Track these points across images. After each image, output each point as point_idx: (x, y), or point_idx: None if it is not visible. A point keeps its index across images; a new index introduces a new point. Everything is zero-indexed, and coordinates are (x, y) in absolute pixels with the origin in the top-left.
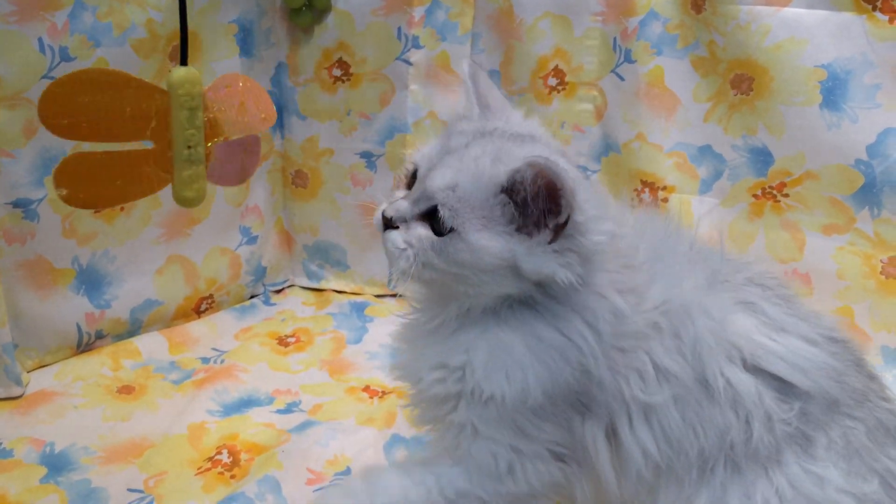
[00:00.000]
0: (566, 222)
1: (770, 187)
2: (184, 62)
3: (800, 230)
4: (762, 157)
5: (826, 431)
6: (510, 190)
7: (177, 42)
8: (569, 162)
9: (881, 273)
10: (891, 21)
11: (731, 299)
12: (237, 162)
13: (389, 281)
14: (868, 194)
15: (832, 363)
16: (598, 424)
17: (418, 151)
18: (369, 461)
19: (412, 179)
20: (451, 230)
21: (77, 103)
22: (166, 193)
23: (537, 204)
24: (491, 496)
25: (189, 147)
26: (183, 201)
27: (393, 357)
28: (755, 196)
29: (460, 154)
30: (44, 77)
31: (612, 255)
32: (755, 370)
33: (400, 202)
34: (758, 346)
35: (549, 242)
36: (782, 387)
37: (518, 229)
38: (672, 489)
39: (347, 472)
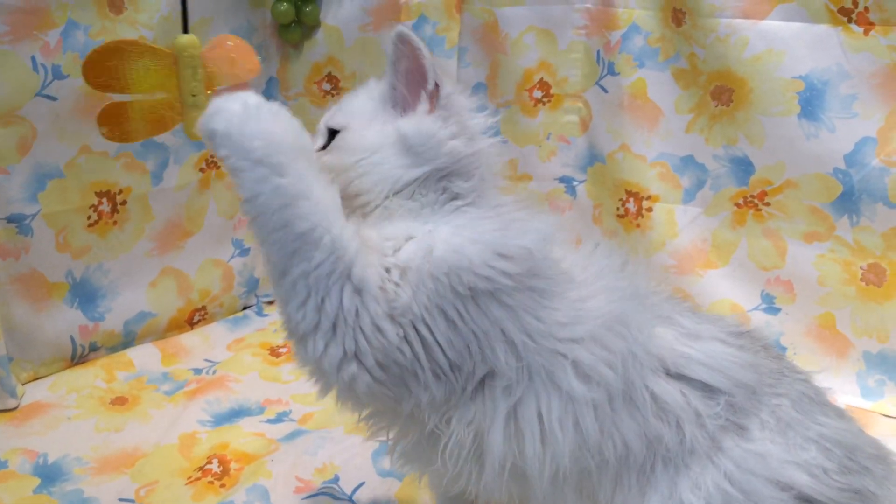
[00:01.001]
0: (437, 88)
1: (751, 196)
2: (185, 31)
3: (781, 238)
4: (743, 167)
5: (757, 415)
6: (391, 86)
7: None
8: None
9: (861, 280)
10: (865, 33)
11: (651, 314)
12: None
13: None
14: (847, 202)
15: (744, 355)
16: (504, 392)
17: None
18: (357, 469)
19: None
20: (337, 132)
21: (108, 66)
22: (159, 208)
23: (414, 82)
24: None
25: (193, 95)
26: (192, 136)
27: None
28: (737, 205)
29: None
30: (37, 95)
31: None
32: (679, 377)
33: None
34: (679, 356)
35: (429, 112)
36: (706, 387)
37: (401, 116)
38: (613, 491)
39: (335, 479)
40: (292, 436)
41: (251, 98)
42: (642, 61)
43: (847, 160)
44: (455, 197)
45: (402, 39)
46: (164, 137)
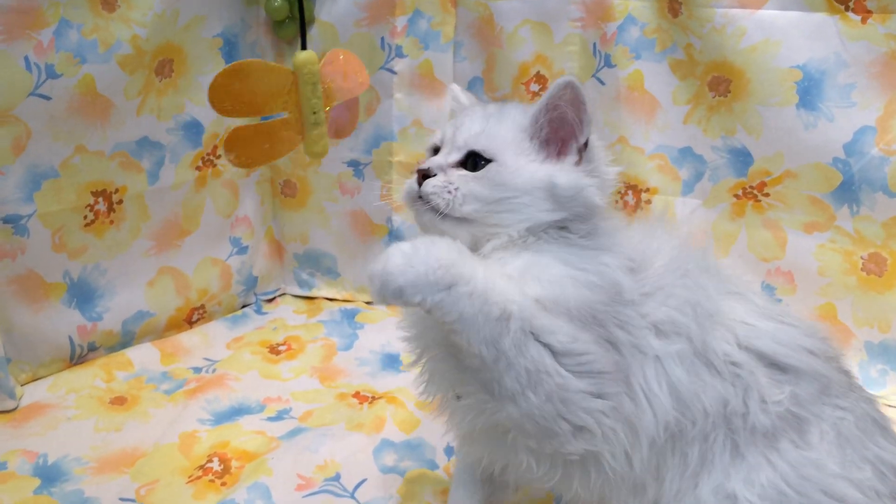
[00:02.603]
0: (587, 143)
1: (750, 187)
2: (304, 47)
3: (781, 229)
4: (742, 158)
5: (818, 423)
6: (536, 121)
7: (163, 57)
8: None
9: (862, 269)
10: (863, 21)
11: (722, 288)
12: (347, 118)
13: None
14: (847, 192)
15: (819, 345)
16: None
17: (436, 134)
18: (359, 465)
19: (434, 153)
20: (489, 161)
21: (234, 90)
22: (155, 207)
23: (562, 128)
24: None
25: (314, 112)
26: (314, 155)
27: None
28: (736, 196)
29: (479, 112)
30: (31, 94)
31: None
32: (748, 350)
33: (433, 158)
34: (749, 328)
35: (576, 164)
36: (773, 369)
37: (546, 158)
38: (676, 469)
39: (337, 477)
40: (293, 433)
41: (400, 246)
42: (639, 53)
43: (846, 149)
44: (568, 231)
45: (571, 88)
46: (159, 135)
